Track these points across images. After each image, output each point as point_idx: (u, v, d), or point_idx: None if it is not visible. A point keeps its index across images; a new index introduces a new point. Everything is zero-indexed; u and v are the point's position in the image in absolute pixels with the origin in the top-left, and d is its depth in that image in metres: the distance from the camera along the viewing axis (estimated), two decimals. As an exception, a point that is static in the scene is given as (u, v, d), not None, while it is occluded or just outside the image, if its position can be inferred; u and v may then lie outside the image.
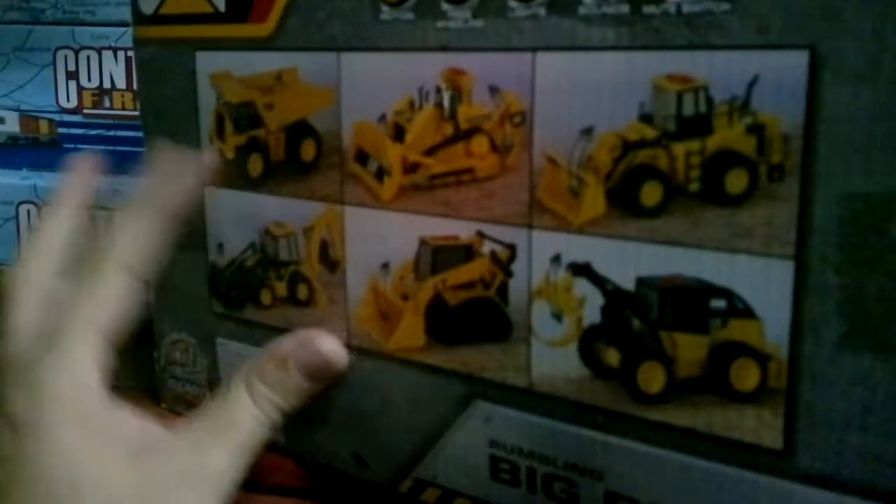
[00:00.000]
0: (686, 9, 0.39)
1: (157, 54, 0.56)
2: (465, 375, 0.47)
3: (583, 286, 0.43)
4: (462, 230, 0.46)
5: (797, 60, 0.37)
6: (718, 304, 0.40)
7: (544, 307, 0.45)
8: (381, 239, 0.49)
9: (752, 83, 0.38)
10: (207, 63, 0.54)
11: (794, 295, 0.38)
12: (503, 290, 0.46)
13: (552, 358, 0.45)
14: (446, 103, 0.46)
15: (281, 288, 0.53)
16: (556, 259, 0.44)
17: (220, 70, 0.53)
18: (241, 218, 0.54)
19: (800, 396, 0.39)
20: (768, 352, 0.39)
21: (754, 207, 0.39)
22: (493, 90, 0.44)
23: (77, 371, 0.43)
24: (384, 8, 0.46)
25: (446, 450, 0.48)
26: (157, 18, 0.54)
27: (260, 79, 0.51)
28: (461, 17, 0.44)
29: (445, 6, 0.44)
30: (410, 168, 0.47)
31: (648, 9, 0.39)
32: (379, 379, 0.50)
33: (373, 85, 0.47)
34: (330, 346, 0.49)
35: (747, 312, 0.40)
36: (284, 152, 0.51)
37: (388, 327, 0.50)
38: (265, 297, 0.55)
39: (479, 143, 0.45)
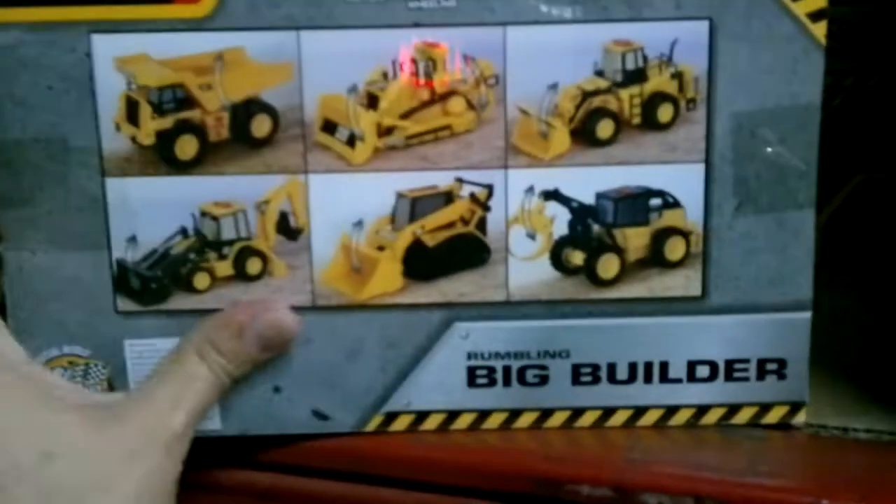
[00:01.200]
0: None
1: (25, 39, 0.39)
2: (443, 304, 0.42)
3: (553, 208, 0.42)
4: (440, 180, 0.42)
5: (701, 27, 0.41)
6: (656, 202, 0.43)
7: (520, 231, 0.42)
8: (354, 200, 0.41)
9: (674, 44, 0.41)
10: (109, 47, 0.39)
11: (705, 186, 0.42)
12: (482, 225, 0.42)
13: (527, 270, 0.43)
14: (421, 71, 0.41)
15: (224, 267, 0.41)
16: (529, 190, 0.42)
17: (132, 54, 0.40)
18: (163, 204, 0.41)
19: (710, 255, 0.42)
20: (689, 229, 0.42)
21: (677, 130, 0.42)
22: (468, 59, 0.41)
23: None
24: None
25: (422, 375, 0.42)
26: (26, 0, 0.37)
27: (193, 60, 0.40)
28: None
29: None
30: (385, 132, 0.41)
31: None
32: (348, 330, 0.42)
33: (339, 60, 0.40)
34: (286, 316, 0.40)
35: (675, 204, 0.42)
36: (229, 131, 0.40)
37: (362, 279, 0.42)
38: (200, 281, 0.42)
39: (456, 103, 0.41)
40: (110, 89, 0.40)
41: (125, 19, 0.39)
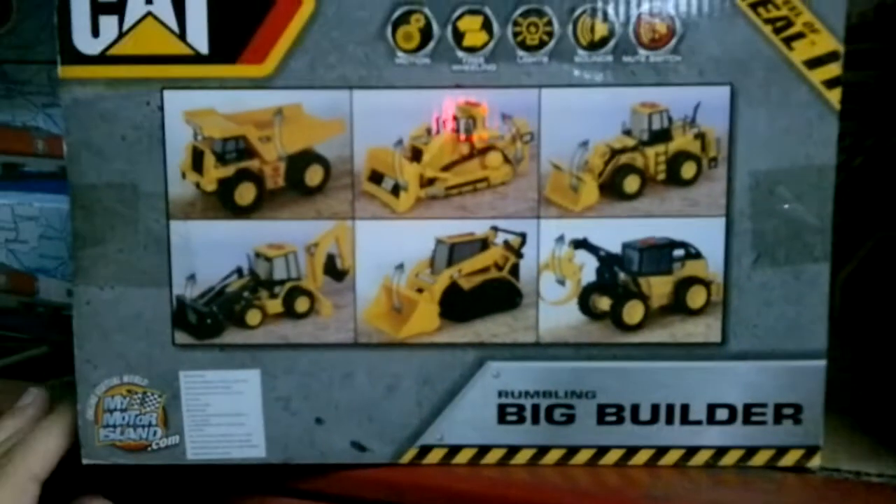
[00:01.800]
0: (652, 59, 0.44)
1: (103, 94, 0.43)
2: (477, 344, 0.45)
3: (581, 256, 0.45)
4: (477, 228, 0.45)
5: (723, 92, 0.44)
6: (679, 252, 0.45)
7: (550, 277, 0.45)
8: (396, 244, 0.44)
9: (697, 107, 0.45)
10: (179, 102, 0.44)
11: (726, 239, 0.45)
12: (514, 270, 0.45)
13: (556, 314, 0.45)
14: (462, 128, 0.44)
15: (274, 305, 0.45)
16: (560, 239, 0.45)
17: (200, 108, 0.44)
18: (222, 246, 0.44)
19: (730, 304, 0.45)
20: (710, 279, 0.45)
21: (699, 186, 0.45)
22: (506, 117, 0.44)
23: None
24: (400, 54, 0.43)
25: (455, 411, 0.45)
26: (106, 59, 0.43)
27: (255, 114, 0.44)
28: (475, 62, 0.44)
29: (460, 53, 0.44)
30: (427, 183, 0.44)
31: (626, 58, 0.44)
32: (387, 367, 0.45)
33: (387, 116, 0.44)
34: None
35: (697, 255, 0.45)
36: (285, 179, 0.44)
37: (402, 319, 0.45)
38: (253, 318, 0.45)
39: (494, 158, 0.44)
40: (178, 140, 0.43)
41: (195, 77, 0.43)
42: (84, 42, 0.42)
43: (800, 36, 0.43)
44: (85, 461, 0.44)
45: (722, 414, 0.45)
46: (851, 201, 0.47)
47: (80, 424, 0.44)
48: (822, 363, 0.44)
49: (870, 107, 0.63)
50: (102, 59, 0.43)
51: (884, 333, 0.58)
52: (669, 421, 0.45)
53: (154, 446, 0.44)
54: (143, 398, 0.44)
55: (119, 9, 0.42)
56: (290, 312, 0.45)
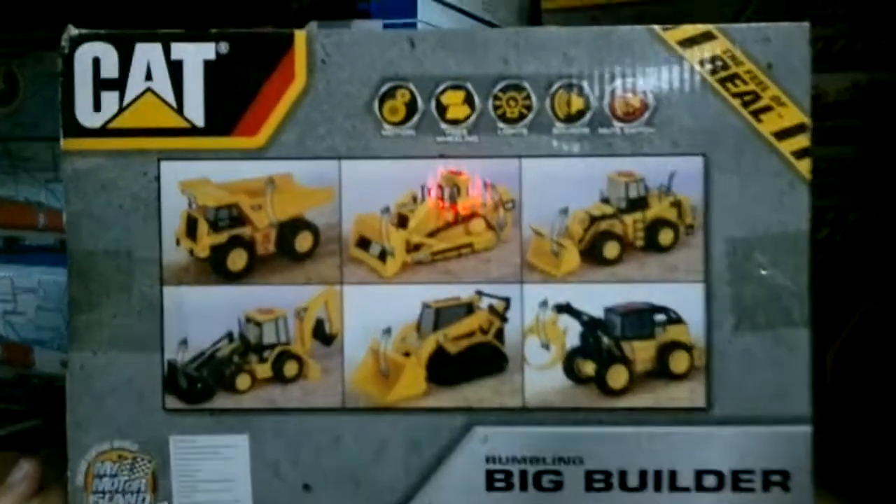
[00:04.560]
0: (627, 131, 0.49)
1: (103, 165, 0.48)
2: (465, 409, 0.48)
3: (565, 320, 0.48)
4: (462, 293, 0.48)
5: (696, 162, 0.49)
6: (660, 317, 0.49)
7: (535, 341, 0.48)
8: (383, 309, 0.48)
9: (672, 176, 0.49)
10: (175, 172, 0.48)
11: (706, 304, 0.48)
12: (500, 335, 0.48)
13: (541, 378, 0.48)
14: (447, 196, 0.48)
15: (264, 370, 0.48)
16: (543, 303, 0.48)
17: (195, 178, 0.48)
18: (213, 311, 0.48)
19: (713, 369, 0.48)
20: (692, 343, 0.48)
21: (677, 252, 0.49)
22: (488, 185, 0.49)
23: None
24: (386, 126, 0.48)
25: (443, 477, 0.48)
26: (106, 132, 0.48)
27: (247, 184, 0.48)
28: (458, 134, 0.48)
29: (444, 125, 0.48)
30: (413, 248, 0.48)
31: (602, 130, 0.49)
32: (375, 431, 0.48)
33: (374, 185, 0.48)
34: None
35: (678, 320, 0.49)
36: (276, 246, 0.48)
37: (389, 383, 0.48)
38: (242, 383, 0.48)
39: (477, 224, 0.49)
40: (173, 208, 0.48)
41: (190, 149, 0.48)
42: (86, 116, 0.47)
43: (767, 109, 0.47)
44: (72, 529, 0.46)
45: (710, 481, 0.47)
46: (837, 274, 0.50)
47: (70, 490, 0.47)
48: (808, 429, 0.47)
49: (851, 182, 0.67)
50: (103, 132, 0.47)
51: (875, 403, 0.61)
52: (658, 488, 0.47)
53: (142, 514, 0.46)
54: (133, 463, 0.46)
55: (120, 85, 0.47)
56: (278, 377, 0.48)
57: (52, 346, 0.65)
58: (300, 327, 0.47)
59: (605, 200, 0.48)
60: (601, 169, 0.48)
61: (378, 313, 0.47)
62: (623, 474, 0.47)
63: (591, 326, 0.48)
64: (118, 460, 0.46)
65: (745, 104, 0.47)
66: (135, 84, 0.47)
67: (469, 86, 0.47)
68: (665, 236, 0.49)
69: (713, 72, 0.47)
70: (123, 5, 0.58)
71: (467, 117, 0.47)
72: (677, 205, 0.48)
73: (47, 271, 0.65)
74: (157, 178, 0.47)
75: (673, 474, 0.48)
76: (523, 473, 0.47)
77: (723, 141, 0.47)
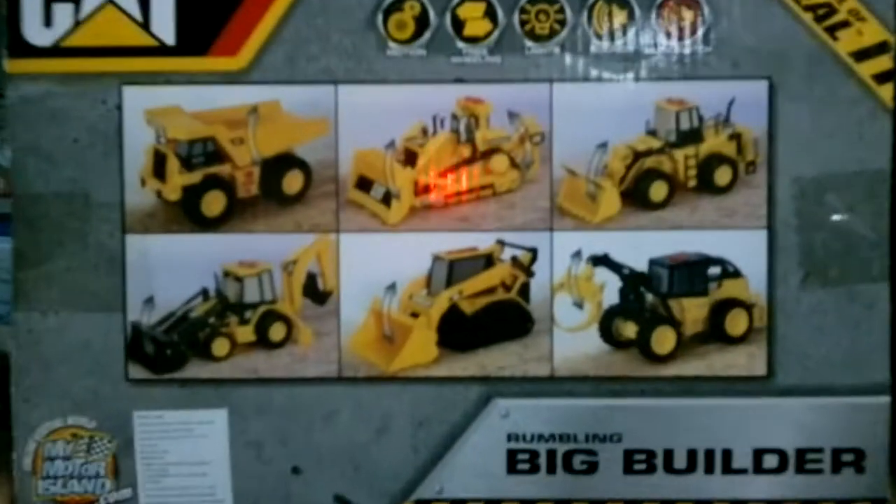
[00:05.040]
0: (678, 50, 0.43)
1: (55, 91, 0.42)
2: (482, 378, 0.43)
3: (602, 274, 0.43)
4: (480, 242, 0.43)
5: (760, 88, 0.42)
6: (714, 270, 0.43)
7: (566, 299, 0.43)
8: (387, 261, 0.42)
9: (731, 103, 0.43)
10: (141, 99, 0.42)
11: (769, 254, 0.43)
12: (524, 291, 0.43)
13: (573, 343, 0.43)
14: (463, 128, 0.43)
15: (245, 333, 0.42)
16: (576, 254, 0.43)
17: (164, 106, 0.42)
18: (185, 264, 0.42)
19: (776, 331, 0.43)
20: (752, 301, 0.43)
21: (736, 194, 0.43)
22: (512, 115, 0.43)
23: None
24: (392, 44, 0.42)
25: (457, 458, 0.42)
26: (59, 51, 0.41)
27: (226, 113, 0.42)
28: (478, 54, 0.42)
29: (460, 44, 0.42)
30: (423, 190, 0.43)
31: (649, 49, 0.42)
32: (376, 405, 0.42)
33: (378, 115, 0.42)
34: None
35: (736, 274, 0.43)
36: (259, 187, 0.42)
37: (394, 348, 0.43)
38: (220, 348, 0.42)
39: (499, 162, 0.43)
40: (138, 143, 0.42)
41: (159, 71, 0.42)
42: (35, 32, 0.41)
43: (844, 25, 0.42)
44: (20, 520, 0.41)
45: (771, 461, 0.42)
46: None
47: (16, 476, 0.42)
48: (886, 400, 0.42)
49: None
50: (55, 51, 0.41)
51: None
52: (709, 469, 0.42)
53: (102, 502, 0.42)
54: (91, 444, 0.42)
55: (75, -5, 0.40)
56: (263, 341, 0.42)
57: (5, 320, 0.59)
58: (288, 283, 0.42)
59: (652, 133, 0.43)
60: (647, 95, 0.42)
61: (381, 267, 0.42)
62: (668, 454, 0.42)
63: (633, 281, 0.43)
64: (72, 440, 0.42)
65: (818, 19, 0.41)
66: (92, -7, 0.40)
67: (490, -5, 0.40)
68: (722, 175, 0.43)
69: (782, -21, 0.40)
70: None
71: (488, 34, 0.41)
72: (737, 138, 0.43)
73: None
74: (119, 107, 0.42)
75: (727, 454, 0.43)
76: (551, 453, 0.42)
77: (791, 63, 0.42)
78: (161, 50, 0.42)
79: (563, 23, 0.42)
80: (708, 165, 0.43)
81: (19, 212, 0.42)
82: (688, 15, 0.42)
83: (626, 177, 0.43)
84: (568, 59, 0.42)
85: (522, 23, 0.42)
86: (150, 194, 0.42)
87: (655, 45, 0.42)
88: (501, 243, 0.43)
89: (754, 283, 0.43)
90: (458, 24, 0.42)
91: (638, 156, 0.43)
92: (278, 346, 0.42)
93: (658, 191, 0.43)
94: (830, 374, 0.43)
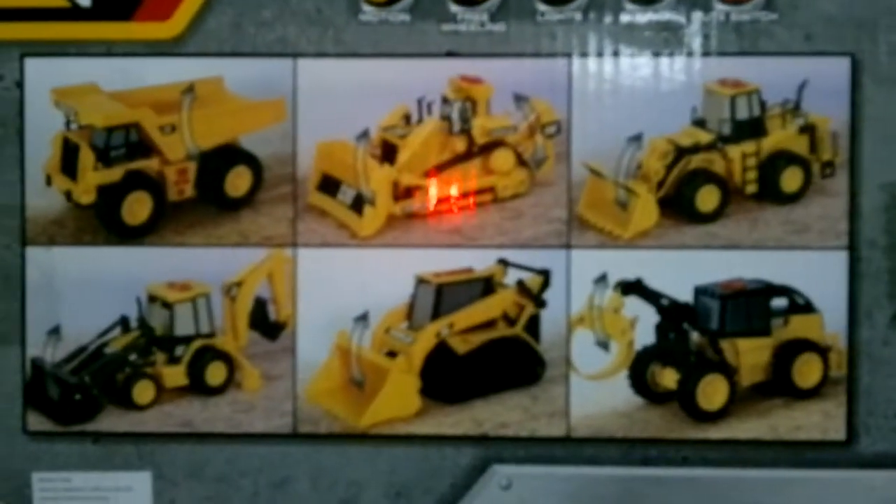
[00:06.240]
0: (735, 17, 0.37)
1: None
2: (478, 438, 0.37)
3: (633, 305, 0.37)
4: (477, 261, 0.37)
5: (840, 66, 0.37)
6: (779, 302, 0.38)
7: (587, 337, 0.37)
8: (357, 285, 0.37)
9: (802, 86, 0.37)
10: (47, 74, 0.37)
11: (849, 283, 0.37)
12: (533, 326, 0.38)
13: (596, 393, 0.37)
14: (456, 115, 0.37)
15: (175, 375, 0.38)
16: (601, 279, 0.37)
17: (77, 84, 0.37)
18: (100, 285, 0.38)
19: (858, 381, 0.37)
20: (828, 343, 0.37)
21: (808, 203, 0.37)
22: (520, 99, 0.37)
23: None
24: (366, 8, 0.36)
25: None
26: None
27: (155, 92, 0.37)
28: (476, 21, 0.37)
29: (454, 8, 0.36)
30: (404, 194, 0.38)
31: (697, 15, 0.37)
32: (341, 472, 0.37)
33: (347, 97, 0.37)
34: None
35: (807, 307, 0.37)
36: (195, 187, 0.38)
37: (364, 398, 0.38)
38: (142, 393, 0.38)
39: (502, 158, 0.37)
40: (43, 129, 0.37)
41: (70, 39, 0.37)
42: None
43: None
44: None
45: None
46: None
47: None
48: None
49: None
50: None
51: None
52: None
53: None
54: None
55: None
56: (197, 386, 0.38)
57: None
58: (231, 310, 0.37)
59: (700, 123, 0.37)
60: (694, 75, 0.37)
61: (349, 291, 0.37)
62: (718, 539, 0.36)
63: (674, 315, 0.37)
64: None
65: (917, -20, 0.35)
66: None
67: (492, -55, 0.36)
68: (790, 179, 0.37)
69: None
70: None
71: (489, -6, 0.36)
72: (809, 131, 0.37)
73: None
74: (20, 84, 0.37)
75: (794, 541, 0.36)
76: (567, 537, 0.36)
77: (880, 35, 0.36)
78: (73, 13, 0.37)
79: (584, -19, 0.36)
80: (772, 166, 0.38)
81: None
82: (748, -28, 0.36)
83: (667, 180, 0.38)
84: (592, 27, 0.37)
85: (534, -20, 0.36)
86: (57, 196, 0.38)
87: (705, 10, 0.37)
88: (504, 263, 0.37)
89: (831, 319, 0.38)
90: (452, -18, 0.36)
91: (682, 152, 0.38)
92: (217, 393, 0.38)
93: (707, 198, 0.38)
94: (930, 443, 0.37)
